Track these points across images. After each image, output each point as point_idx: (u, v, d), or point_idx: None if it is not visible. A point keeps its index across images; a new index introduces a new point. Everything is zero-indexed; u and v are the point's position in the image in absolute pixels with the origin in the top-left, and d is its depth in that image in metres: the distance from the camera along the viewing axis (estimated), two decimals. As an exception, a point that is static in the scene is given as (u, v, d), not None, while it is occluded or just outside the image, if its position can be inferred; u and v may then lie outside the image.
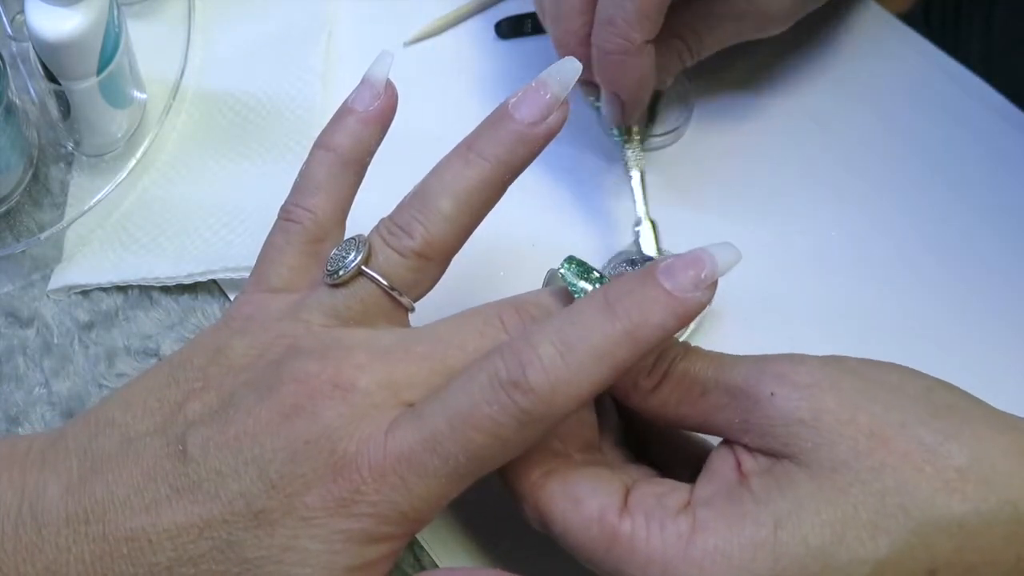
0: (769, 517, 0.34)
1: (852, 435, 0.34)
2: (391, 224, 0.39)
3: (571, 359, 0.34)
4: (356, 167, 0.42)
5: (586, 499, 0.36)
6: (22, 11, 0.47)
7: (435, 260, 0.39)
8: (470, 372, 0.35)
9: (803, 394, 0.35)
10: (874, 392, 0.35)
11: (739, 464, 0.36)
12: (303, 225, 0.41)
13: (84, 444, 0.36)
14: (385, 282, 0.38)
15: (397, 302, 0.39)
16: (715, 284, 0.35)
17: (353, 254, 0.38)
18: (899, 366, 0.37)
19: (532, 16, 0.57)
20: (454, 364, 0.36)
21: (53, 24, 0.46)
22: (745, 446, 0.37)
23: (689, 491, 0.36)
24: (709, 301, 0.35)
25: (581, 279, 0.38)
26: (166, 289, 0.51)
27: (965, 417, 0.35)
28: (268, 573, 0.34)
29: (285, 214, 0.41)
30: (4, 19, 0.54)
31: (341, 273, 0.38)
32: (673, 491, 0.36)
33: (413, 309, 0.39)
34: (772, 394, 0.35)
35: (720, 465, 0.37)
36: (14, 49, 0.53)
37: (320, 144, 0.42)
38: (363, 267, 0.38)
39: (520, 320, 0.37)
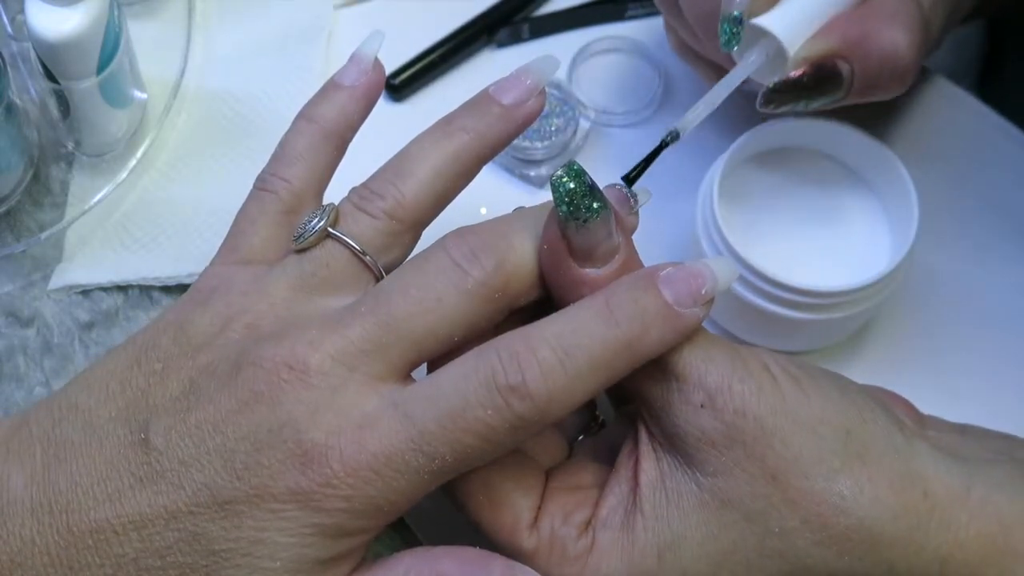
0: (654, 547, 0.35)
1: (755, 473, 0.34)
2: (363, 190, 0.39)
3: (570, 366, 0.33)
4: (337, 140, 0.41)
5: (502, 503, 0.36)
6: (22, 11, 0.48)
7: (407, 224, 0.38)
8: (464, 370, 0.34)
9: (726, 420, 0.34)
10: (793, 432, 0.34)
11: (637, 467, 0.36)
12: (278, 195, 0.40)
13: (47, 430, 0.35)
14: (352, 242, 0.37)
15: (366, 266, 0.38)
16: (712, 301, 0.35)
17: (319, 217, 0.38)
18: (832, 389, 0.36)
19: (529, 23, 0.58)
20: (400, 315, 0.35)
21: (53, 24, 0.46)
22: (652, 434, 0.37)
23: (595, 504, 0.36)
24: (705, 318, 0.35)
25: (571, 204, 0.35)
26: (166, 289, 0.51)
27: (873, 471, 0.35)
28: (236, 566, 0.33)
29: (260, 183, 0.41)
30: (4, 19, 0.54)
31: (307, 236, 0.37)
32: (580, 506, 0.36)
33: (383, 276, 0.38)
34: (701, 405, 0.35)
35: (624, 467, 0.37)
36: (14, 49, 0.53)
37: (302, 115, 0.42)
38: (330, 229, 0.38)
39: (464, 241, 0.36)
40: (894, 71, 0.44)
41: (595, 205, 0.35)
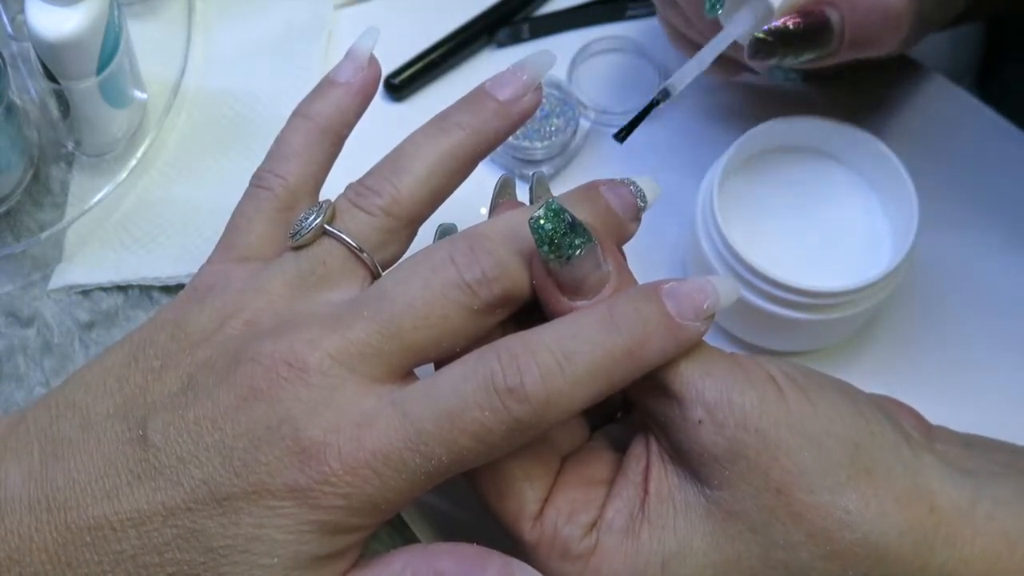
0: (659, 556, 0.35)
1: (760, 486, 0.34)
2: (359, 187, 0.39)
3: (569, 371, 0.33)
4: (333, 137, 0.41)
5: (509, 490, 0.36)
6: (22, 11, 0.47)
7: (403, 221, 0.38)
8: (463, 371, 0.34)
9: (727, 435, 0.34)
10: (798, 444, 0.34)
11: (647, 475, 0.36)
12: (274, 192, 0.40)
13: (44, 428, 0.35)
14: (349, 239, 0.37)
15: (363, 263, 0.38)
16: (713, 317, 0.35)
17: (315, 214, 0.38)
18: (840, 399, 0.36)
19: (529, 23, 0.58)
20: (405, 326, 0.35)
21: (53, 24, 0.46)
22: (662, 445, 0.37)
23: (601, 505, 0.36)
24: (705, 333, 0.35)
25: (552, 244, 0.35)
26: (166, 289, 0.51)
27: (879, 486, 0.34)
28: (234, 562, 0.33)
29: (256, 180, 0.41)
30: (4, 19, 0.54)
31: (303, 232, 0.37)
32: (588, 505, 0.36)
33: (380, 274, 0.38)
34: (699, 421, 0.35)
35: (632, 472, 0.37)
36: (14, 49, 0.53)
37: (298, 112, 0.42)
38: (327, 226, 0.38)
39: (475, 259, 0.35)
40: (885, 19, 0.43)
41: (577, 241, 0.35)
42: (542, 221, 0.35)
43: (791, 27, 0.43)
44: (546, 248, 0.35)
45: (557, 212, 0.35)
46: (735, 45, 0.44)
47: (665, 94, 0.41)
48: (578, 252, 0.35)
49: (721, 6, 0.43)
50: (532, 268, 0.36)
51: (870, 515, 0.34)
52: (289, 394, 0.34)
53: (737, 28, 0.43)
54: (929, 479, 0.35)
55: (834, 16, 0.43)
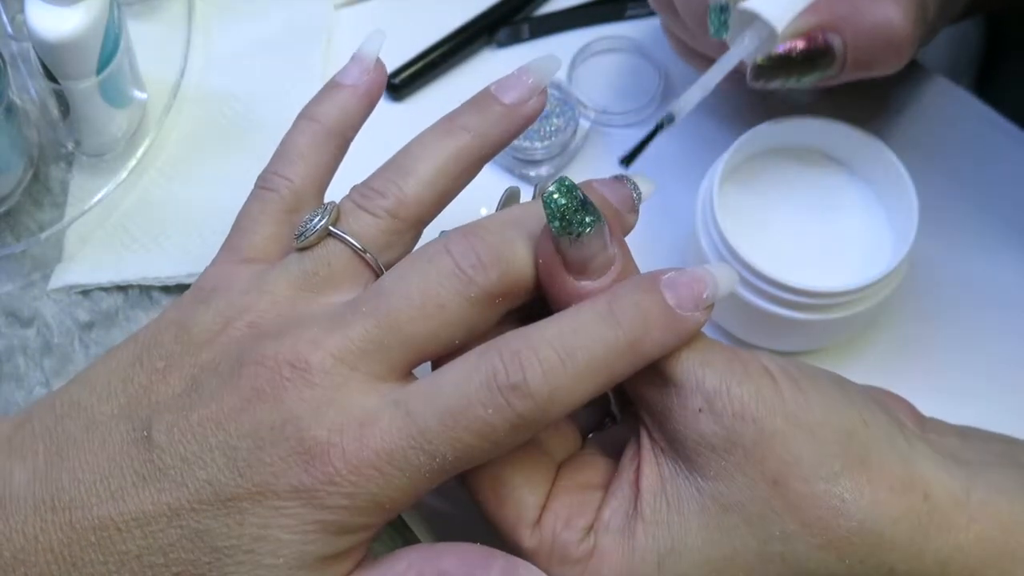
0: (654, 553, 0.35)
1: (755, 477, 0.34)
2: (364, 188, 0.39)
3: (571, 366, 0.33)
4: (339, 139, 0.41)
5: (507, 498, 0.36)
6: (22, 11, 0.47)
7: (408, 223, 0.38)
8: (465, 369, 0.34)
9: (725, 424, 0.34)
10: (794, 434, 0.34)
11: (639, 475, 0.36)
12: (279, 193, 0.40)
13: (49, 427, 0.35)
14: (354, 241, 0.37)
15: (367, 265, 0.38)
16: (712, 306, 0.35)
17: (320, 216, 0.38)
18: (833, 390, 0.36)
19: (529, 23, 0.58)
20: (402, 318, 0.35)
21: (53, 24, 0.46)
22: (654, 439, 0.37)
23: (597, 508, 0.36)
24: (705, 322, 0.35)
25: (563, 219, 0.35)
26: (166, 289, 0.51)
27: (873, 473, 0.34)
28: (239, 562, 0.33)
29: (262, 182, 0.41)
30: (4, 19, 0.54)
31: (308, 234, 0.38)
32: (585, 508, 0.36)
33: (383, 272, 0.38)
34: (699, 410, 0.35)
35: (626, 471, 0.37)
36: (14, 49, 0.53)
37: (304, 114, 0.42)
38: (331, 227, 0.38)
39: (470, 246, 0.36)
40: (889, 43, 0.44)
41: (588, 219, 0.35)
42: (555, 195, 0.35)
43: (792, 54, 0.43)
44: (557, 224, 0.35)
45: (570, 188, 0.35)
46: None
47: (670, 119, 0.41)
48: (588, 230, 0.35)
49: (727, 30, 0.44)
50: (538, 248, 0.36)
51: (865, 503, 0.34)
52: (292, 395, 0.34)
53: (741, 50, 0.43)
54: (923, 467, 0.35)
55: (836, 42, 0.44)
